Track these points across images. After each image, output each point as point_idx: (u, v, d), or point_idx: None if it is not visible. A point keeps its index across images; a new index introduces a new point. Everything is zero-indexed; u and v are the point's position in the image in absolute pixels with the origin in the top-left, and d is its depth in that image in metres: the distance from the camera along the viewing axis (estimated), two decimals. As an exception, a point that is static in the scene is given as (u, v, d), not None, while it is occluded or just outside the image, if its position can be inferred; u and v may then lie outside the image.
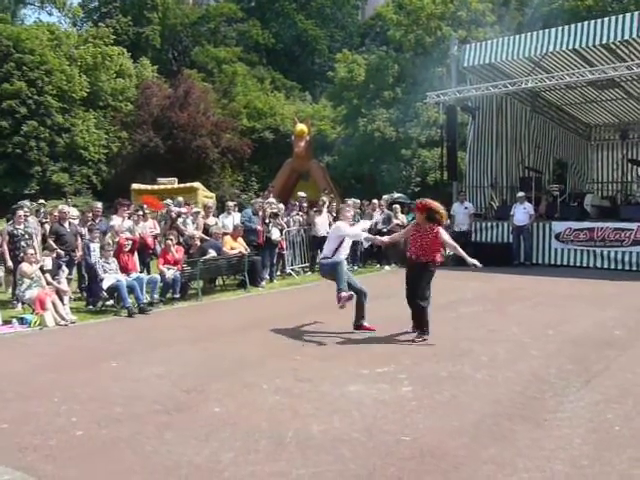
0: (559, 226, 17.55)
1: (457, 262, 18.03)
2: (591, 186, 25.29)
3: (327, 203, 17.53)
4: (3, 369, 7.51)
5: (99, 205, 14.85)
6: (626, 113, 24.01)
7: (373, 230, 17.95)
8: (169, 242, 13.06)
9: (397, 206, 19.12)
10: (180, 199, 18.29)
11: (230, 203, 16.98)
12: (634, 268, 16.03)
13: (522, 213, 17.61)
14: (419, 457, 4.69)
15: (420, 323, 8.94)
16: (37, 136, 36.79)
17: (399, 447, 4.88)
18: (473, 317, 10.38)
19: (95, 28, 48.19)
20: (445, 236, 9.13)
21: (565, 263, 17.31)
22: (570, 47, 17.44)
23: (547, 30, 18.18)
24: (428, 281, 9.09)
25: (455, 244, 9.28)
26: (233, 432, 5.27)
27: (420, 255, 9.00)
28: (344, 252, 9.48)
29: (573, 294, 12.71)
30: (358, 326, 9.33)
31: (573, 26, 17.47)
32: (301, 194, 19.28)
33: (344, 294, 8.95)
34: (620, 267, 16.29)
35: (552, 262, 17.53)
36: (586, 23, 17.25)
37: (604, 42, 16.86)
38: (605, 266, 16.56)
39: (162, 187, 28.71)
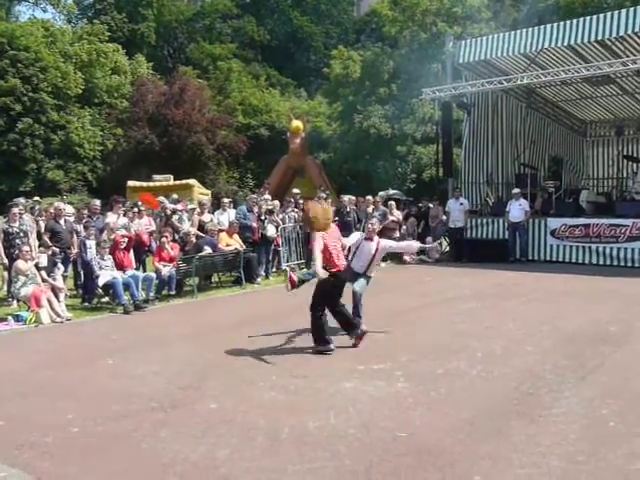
0: (554, 222, 17.56)
1: (454, 259, 18.19)
2: (587, 182, 25.31)
3: (323, 200, 17.52)
4: (-1, 367, 7.51)
5: (97, 203, 14.81)
6: (621, 109, 24.03)
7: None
8: (164, 239, 13.04)
9: (392, 203, 19.12)
10: (175, 196, 18.28)
11: (225, 200, 16.96)
12: (629, 264, 16.06)
13: (517, 209, 17.62)
14: (415, 453, 4.69)
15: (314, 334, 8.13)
16: (32, 133, 36.78)
17: (395, 443, 4.89)
18: (469, 313, 10.38)
19: (90, 25, 48.22)
20: (314, 244, 7.85)
21: (560, 259, 17.31)
22: (565, 43, 17.44)
23: (542, 26, 18.16)
24: (324, 291, 7.98)
25: (315, 257, 7.76)
26: (229, 429, 5.28)
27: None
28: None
29: (568, 290, 12.73)
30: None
31: (568, 22, 17.46)
32: (296, 191, 19.26)
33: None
34: (615, 263, 16.31)
35: (548, 258, 17.54)
36: (581, 19, 17.24)
37: (599, 38, 16.87)
38: (600, 262, 16.58)
39: (157, 184, 28.74)
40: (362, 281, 8.99)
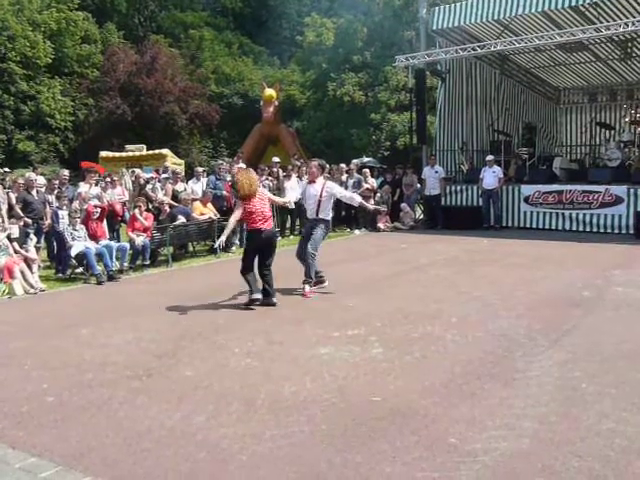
0: (528, 189, 17.67)
1: (428, 226, 18.26)
2: (560, 149, 25.46)
3: (297, 168, 17.48)
4: (-29, 338, 7.44)
5: (66, 172, 14.70)
6: (594, 76, 24.09)
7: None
8: (137, 209, 12.94)
9: (367, 170, 19.16)
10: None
11: (199, 169, 16.86)
12: (602, 230, 16.22)
13: (491, 176, 17.71)
14: (390, 417, 4.72)
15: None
16: (1, 104, 36.22)
17: (370, 407, 4.92)
18: (443, 279, 10.45)
19: (58, -8, 47.24)
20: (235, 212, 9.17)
21: (534, 226, 17.46)
22: (539, 9, 17.35)
23: (516, -8, 18.10)
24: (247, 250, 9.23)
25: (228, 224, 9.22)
26: (205, 395, 5.28)
27: None
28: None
29: (542, 256, 12.84)
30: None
31: (542, -12, 17.40)
32: (275, 159, 19.15)
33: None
34: (588, 229, 16.47)
35: (522, 225, 17.68)
36: (555, -15, 17.18)
37: (573, 4, 16.81)
38: (573, 228, 16.73)
39: (130, 154, 28.55)
40: (314, 237, 9.53)
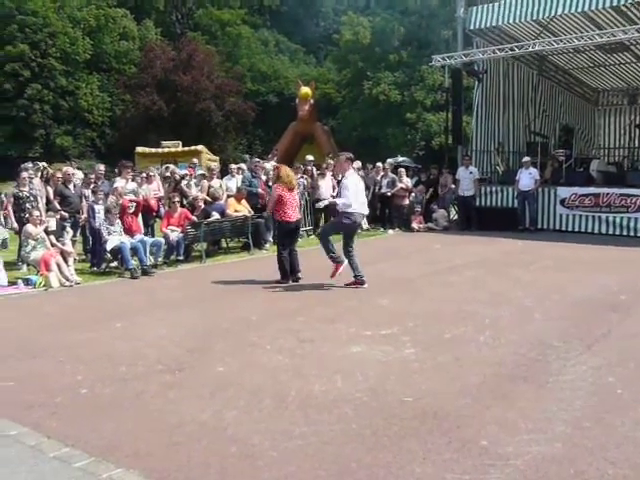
0: (564, 191, 17.46)
1: (462, 227, 18.13)
2: (597, 152, 25.15)
3: (331, 167, 17.46)
4: (9, 329, 7.55)
5: (102, 167, 14.84)
6: (635, 77, 23.75)
7: (377, 194, 17.98)
8: (175, 204, 13.03)
9: (402, 170, 19.07)
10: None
11: (233, 166, 16.90)
12: (639, 234, 15.99)
13: (527, 178, 17.51)
14: (422, 417, 4.70)
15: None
16: (41, 99, 36.78)
17: (402, 407, 4.90)
18: (477, 280, 10.37)
19: (98, -11, 47.80)
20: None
21: (570, 229, 17.24)
22: (579, 10, 17.16)
23: (555, -8, 17.90)
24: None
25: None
26: (236, 391, 5.30)
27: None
28: None
29: (578, 259, 12.68)
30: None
31: (582, -13, 17.19)
32: (309, 158, 19.15)
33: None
34: (625, 233, 16.23)
35: (557, 227, 17.47)
36: (595, -15, 16.96)
37: (614, 4, 16.58)
38: (610, 232, 16.50)
39: (166, 150, 28.77)
40: None
